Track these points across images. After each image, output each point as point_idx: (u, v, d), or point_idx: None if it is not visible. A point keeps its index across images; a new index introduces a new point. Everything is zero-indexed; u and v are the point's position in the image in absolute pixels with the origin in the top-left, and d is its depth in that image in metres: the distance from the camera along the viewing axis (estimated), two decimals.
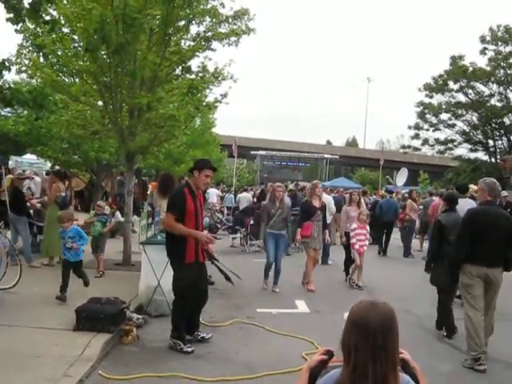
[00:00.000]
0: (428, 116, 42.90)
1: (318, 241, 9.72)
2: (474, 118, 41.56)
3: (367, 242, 10.34)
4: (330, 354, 2.33)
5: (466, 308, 5.86)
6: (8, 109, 16.69)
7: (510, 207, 15.13)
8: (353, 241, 10.07)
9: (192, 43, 10.09)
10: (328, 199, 12.68)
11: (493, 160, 40.72)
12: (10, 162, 25.85)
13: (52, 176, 11.21)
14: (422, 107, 42.66)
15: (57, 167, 19.60)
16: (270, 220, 9.38)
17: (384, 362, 2.01)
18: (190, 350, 5.81)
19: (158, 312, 7.14)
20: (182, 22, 9.71)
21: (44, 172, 20.88)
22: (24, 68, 10.33)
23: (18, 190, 10.27)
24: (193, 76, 10.39)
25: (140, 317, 6.65)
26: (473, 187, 10.30)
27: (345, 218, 10.89)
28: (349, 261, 10.56)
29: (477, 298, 5.78)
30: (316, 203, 9.76)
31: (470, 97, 40.49)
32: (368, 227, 10.46)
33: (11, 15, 5.67)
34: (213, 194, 19.75)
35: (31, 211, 11.30)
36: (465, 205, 7.97)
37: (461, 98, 40.98)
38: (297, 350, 5.94)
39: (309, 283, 9.64)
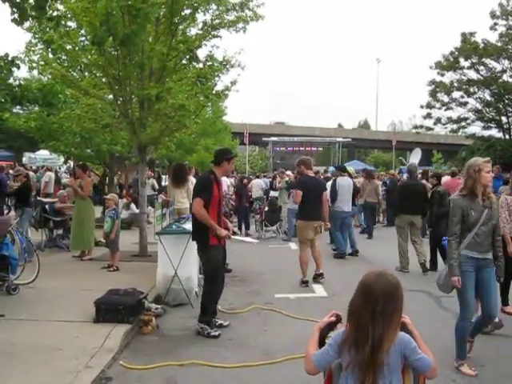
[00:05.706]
0: (439, 95, 42.27)
1: None
2: (487, 95, 40.86)
3: None
4: (337, 316, 2.68)
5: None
6: (19, 106, 16.76)
7: None
8: None
9: (199, 32, 10.03)
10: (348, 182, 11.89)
11: (507, 137, 40.19)
12: (24, 159, 26.15)
13: (78, 170, 10.84)
14: (433, 86, 42.08)
15: (70, 162, 19.70)
16: (468, 231, 4.86)
17: (381, 324, 2.34)
18: (217, 333, 5.91)
19: (176, 301, 7.18)
20: (188, 11, 9.65)
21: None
22: (34, 65, 10.34)
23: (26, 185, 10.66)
24: (201, 65, 10.36)
25: (159, 306, 6.69)
26: (350, 169, 13.38)
27: (506, 215, 6.65)
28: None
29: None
30: None
31: (482, 73, 39.85)
32: None
33: (15, 16, 5.61)
34: (224, 181, 19.73)
35: (46, 206, 11.34)
36: (343, 181, 11.67)
37: (472, 75, 40.33)
38: None
39: None
